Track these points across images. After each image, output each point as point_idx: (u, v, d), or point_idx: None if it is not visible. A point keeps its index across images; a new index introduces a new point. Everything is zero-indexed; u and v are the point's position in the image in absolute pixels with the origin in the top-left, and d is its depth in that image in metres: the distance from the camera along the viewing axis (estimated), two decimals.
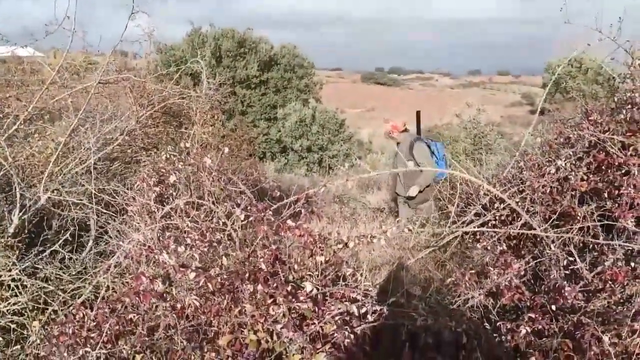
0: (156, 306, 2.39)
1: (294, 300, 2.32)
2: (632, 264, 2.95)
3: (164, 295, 2.29)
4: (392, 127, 6.08)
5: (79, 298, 3.54)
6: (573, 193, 3.72)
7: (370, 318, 2.36)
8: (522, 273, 3.00)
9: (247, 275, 2.38)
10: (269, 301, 2.34)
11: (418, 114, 5.98)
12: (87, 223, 4.24)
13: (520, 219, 3.82)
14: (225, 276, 2.40)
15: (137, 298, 2.20)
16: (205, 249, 2.48)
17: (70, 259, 3.92)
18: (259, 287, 2.34)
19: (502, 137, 10.69)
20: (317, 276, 2.61)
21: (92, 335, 2.38)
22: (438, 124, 24.27)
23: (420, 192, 5.74)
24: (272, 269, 2.49)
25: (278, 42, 20.55)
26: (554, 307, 2.70)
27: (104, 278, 3.22)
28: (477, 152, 9.34)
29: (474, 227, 4.13)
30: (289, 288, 2.36)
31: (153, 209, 3.10)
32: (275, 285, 2.34)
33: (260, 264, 2.45)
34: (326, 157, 17.32)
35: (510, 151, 6.40)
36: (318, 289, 2.43)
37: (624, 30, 4.22)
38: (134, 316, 2.32)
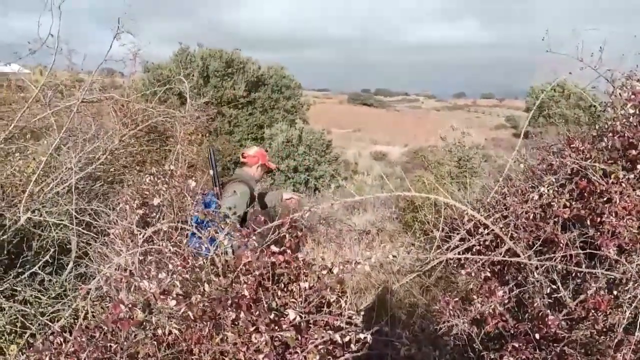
0: (135, 334, 2.34)
1: (276, 328, 2.28)
2: (615, 292, 2.97)
3: (144, 323, 2.24)
4: None
5: (57, 321, 3.46)
6: (556, 220, 3.74)
7: (353, 347, 2.33)
8: (506, 301, 3.00)
9: (229, 302, 2.34)
10: (251, 329, 2.30)
11: (209, 149, 4.42)
12: (68, 245, 4.17)
13: (504, 245, 3.83)
14: (207, 303, 2.36)
15: (115, 326, 2.15)
16: (187, 275, 2.44)
17: (50, 281, 3.84)
18: (242, 314, 2.30)
19: (486, 160, 10.78)
20: (301, 303, 2.58)
21: None
22: (424, 146, 24.49)
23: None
24: (255, 295, 2.45)
25: (265, 63, 20.67)
26: (537, 336, 2.69)
27: (84, 304, 3.15)
28: (462, 176, 9.41)
29: (458, 253, 4.14)
30: (272, 316, 2.32)
31: (135, 232, 3.05)
32: (257, 312, 2.31)
33: (243, 290, 2.42)
34: (312, 179, 17.31)
35: (494, 175, 6.45)
36: (301, 317, 2.39)
37: (605, 59, 4.31)
38: (112, 345, 2.27)
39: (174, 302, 2.19)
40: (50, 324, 3.34)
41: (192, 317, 2.28)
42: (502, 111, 71.44)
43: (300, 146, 17.50)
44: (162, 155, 6.60)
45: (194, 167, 6.09)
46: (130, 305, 2.13)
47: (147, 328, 2.30)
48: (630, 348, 2.42)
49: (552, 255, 3.49)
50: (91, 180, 5.28)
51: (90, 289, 3.05)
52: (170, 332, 2.35)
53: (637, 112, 3.71)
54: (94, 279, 3.22)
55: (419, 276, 4.54)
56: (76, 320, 3.28)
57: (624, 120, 3.83)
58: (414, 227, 6.78)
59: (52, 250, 4.02)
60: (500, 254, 3.80)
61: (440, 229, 4.41)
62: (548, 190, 3.81)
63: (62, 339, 2.39)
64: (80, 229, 4.02)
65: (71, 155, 4.55)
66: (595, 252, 3.39)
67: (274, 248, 2.57)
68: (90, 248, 3.90)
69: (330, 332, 2.31)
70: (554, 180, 3.91)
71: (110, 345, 2.32)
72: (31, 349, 2.50)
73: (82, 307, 3.20)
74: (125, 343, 2.30)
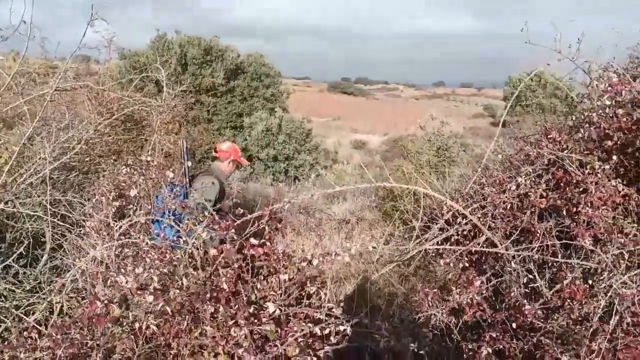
0: (112, 329, 2.30)
1: (256, 321, 2.27)
2: (590, 282, 3.02)
3: (120, 319, 2.20)
4: None
5: (32, 314, 3.40)
6: (532, 210, 3.79)
7: (333, 339, 2.33)
8: (484, 290, 3.03)
9: (207, 295, 2.32)
10: (231, 323, 2.28)
11: (182, 142, 4.21)
12: (43, 238, 4.08)
13: (482, 235, 3.87)
14: (185, 297, 2.33)
15: (91, 322, 2.11)
16: (165, 270, 2.41)
17: (24, 273, 3.76)
18: (220, 308, 2.28)
19: (465, 150, 10.85)
20: (281, 295, 2.56)
21: (45, 359, 2.27)
22: (403, 135, 24.58)
23: None
24: (235, 288, 2.43)
25: (245, 50, 20.45)
26: (514, 325, 2.73)
27: (59, 298, 3.09)
28: (440, 165, 9.46)
29: (437, 243, 4.16)
30: (251, 309, 2.31)
31: (111, 225, 3.00)
32: (236, 306, 2.29)
33: (222, 283, 2.39)
34: (292, 168, 17.26)
35: (472, 165, 6.50)
36: (281, 310, 2.38)
37: (582, 51, 4.33)
38: (88, 341, 2.23)
39: (151, 298, 2.15)
40: (25, 317, 3.27)
41: (170, 311, 2.26)
42: (480, 100, 71.93)
43: (280, 135, 17.42)
44: (138, 145, 6.49)
45: (171, 157, 6.00)
46: (106, 301, 2.09)
47: (124, 323, 2.27)
48: (605, 337, 2.47)
49: (529, 245, 3.53)
50: (66, 170, 5.17)
51: (65, 283, 2.99)
52: (147, 327, 2.32)
53: (614, 103, 3.76)
54: (69, 272, 3.16)
55: (398, 266, 4.56)
56: (51, 314, 3.22)
57: (600, 111, 3.88)
58: (393, 217, 6.81)
59: (26, 242, 3.93)
60: (478, 244, 3.84)
61: (420, 219, 4.43)
62: (525, 181, 3.85)
63: (37, 333, 2.35)
64: (55, 220, 3.93)
65: (45, 145, 4.44)
66: (571, 242, 3.44)
67: (253, 240, 2.55)
68: (66, 240, 3.82)
69: (310, 324, 2.30)
70: (531, 170, 3.95)
71: (86, 342, 2.28)
72: (6, 343, 2.44)
73: (57, 302, 3.14)
74: (102, 339, 2.26)
